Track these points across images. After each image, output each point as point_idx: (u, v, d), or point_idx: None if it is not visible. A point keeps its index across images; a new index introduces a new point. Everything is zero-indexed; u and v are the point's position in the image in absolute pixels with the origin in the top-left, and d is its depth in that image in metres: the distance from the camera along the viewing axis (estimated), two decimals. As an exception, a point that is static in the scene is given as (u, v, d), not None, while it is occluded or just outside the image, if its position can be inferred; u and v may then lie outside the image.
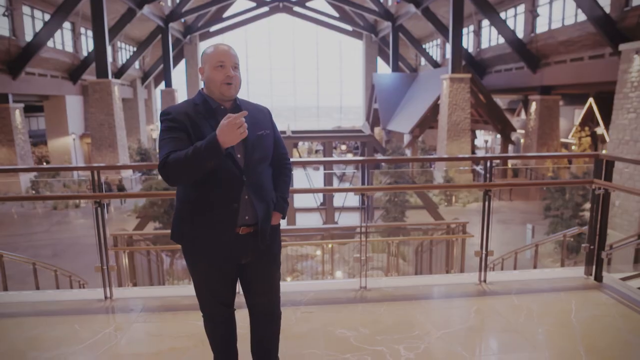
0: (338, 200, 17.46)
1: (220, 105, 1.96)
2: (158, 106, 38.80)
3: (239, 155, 1.93)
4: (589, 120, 22.35)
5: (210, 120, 1.92)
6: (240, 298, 2.20)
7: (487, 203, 3.43)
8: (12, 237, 14.83)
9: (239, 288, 2.22)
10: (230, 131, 1.72)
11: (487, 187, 3.39)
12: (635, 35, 13.36)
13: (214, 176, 1.88)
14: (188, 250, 2.04)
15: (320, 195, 18.21)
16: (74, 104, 26.40)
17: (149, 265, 8.28)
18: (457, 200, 19.52)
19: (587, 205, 9.43)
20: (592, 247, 3.54)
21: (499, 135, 24.28)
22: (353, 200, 17.89)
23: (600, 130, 20.96)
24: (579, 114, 23.55)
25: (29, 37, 20.76)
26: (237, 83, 1.95)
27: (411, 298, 3.30)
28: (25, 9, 21.34)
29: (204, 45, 36.85)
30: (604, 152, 14.45)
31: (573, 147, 22.88)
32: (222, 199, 1.91)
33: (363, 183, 3.22)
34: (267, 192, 2.03)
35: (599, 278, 3.52)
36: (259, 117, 2.04)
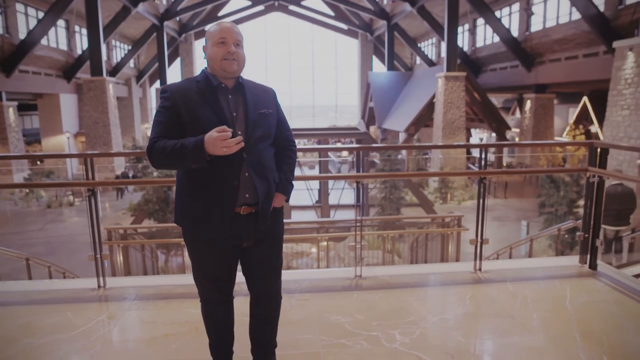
0: (333, 198, 17.49)
1: (221, 84, 1.95)
2: (153, 105, 38.70)
3: (239, 133, 1.91)
4: (583, 118, 22.49)
5: (209, 98, 1.91)
6: (240, 284, 2.17)
7: (482, 192, 3.44)
8: (6, 235, 14.73)
9: (239, 276, 2.18)
10: (214, 144, 1.76)
11: (483, 175, 3.40)
12: (629, 33, 13.45)
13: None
14: (189, 230, 2.00)
15: (316, 193, 18.24)
16: (68, 103, 26.29)
17: (144, 261, 8.24)
18: (453, 198, 19.58)
19: (582, 202, 9.46)
20: (586, 235, 3.56)
21: (494, 134, 24.36)
22: (348, 198, 17.92)
23: (594, 128, 21.08)
24: (573, 112, 23.69)
25: (22, 34, 20.63)
26: (240, 60, 1.93)
27: (407, 286, 3.30)
28: (19, 7, 21.22)
29: (199, 44, 36.78)
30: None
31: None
32: (222, 176, 1.89)
33: (358, 171, 3.21)
34: (268, 170, 2.00)
35: (593, 266, 3.53)
36: (262, 97, 2.03)
